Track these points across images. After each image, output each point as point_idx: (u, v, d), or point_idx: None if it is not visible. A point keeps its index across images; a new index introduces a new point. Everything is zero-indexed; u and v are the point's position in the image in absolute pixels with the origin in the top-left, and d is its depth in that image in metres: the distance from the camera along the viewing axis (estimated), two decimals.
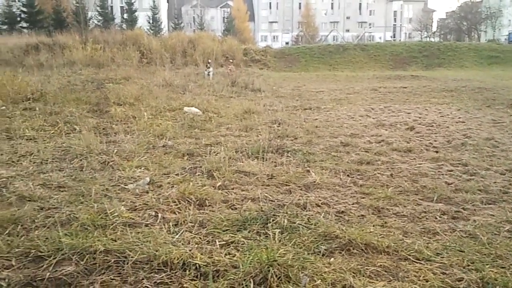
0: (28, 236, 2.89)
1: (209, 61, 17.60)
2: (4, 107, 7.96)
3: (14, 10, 48.35)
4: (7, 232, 2.97)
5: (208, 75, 16.43)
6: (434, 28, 75.46)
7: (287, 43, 65.34)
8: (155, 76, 14.32)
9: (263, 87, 13.12)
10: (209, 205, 3.60)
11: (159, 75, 14.52)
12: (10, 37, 30.34)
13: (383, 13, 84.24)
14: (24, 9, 48.37)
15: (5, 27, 45.44)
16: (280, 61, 25.43)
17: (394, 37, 78.07)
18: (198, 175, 4.43)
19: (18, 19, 47.88)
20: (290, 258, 2.44)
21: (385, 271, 2.56)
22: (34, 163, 4.82)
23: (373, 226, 3.19)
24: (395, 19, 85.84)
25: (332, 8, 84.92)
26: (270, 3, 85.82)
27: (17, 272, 2.44)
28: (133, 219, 3.24)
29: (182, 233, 2.98)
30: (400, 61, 26.08)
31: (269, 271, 2.31)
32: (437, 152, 5.68)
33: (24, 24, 47.22)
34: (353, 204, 3.73)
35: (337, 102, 10.60)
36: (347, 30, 73.00)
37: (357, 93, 12.86)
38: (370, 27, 74.12)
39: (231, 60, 19.26)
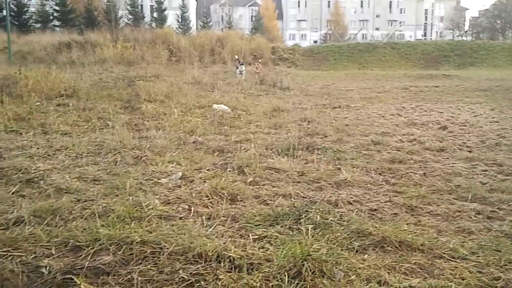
0: (66, 227, 2.98)
1: (237, 58, 16.25)
2: (38, 103, 8.18)
3: (47, 9, 49.56)
4: (46, 222, 3.06)
5: (241, 73, 15.10)
6: (467, 27, 73.76)
7: (315, 41, 64.95)
8: (184, 74, 14.47)
9: (291, 85, 13.09)
10: (241, 200, 3.63)
11: (188, 73, 14.67)
12: (44, 35, 31.10)
13: (414, 11, 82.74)
14: (57, 8, 49.50)
15: (38, 25, 46.61)
16: (309, 59, 25.29)
17: (425, 35, 76.64)
18: (229, 171, 4.46)
19: (51, 17, 49.05)
20: (324, 253, 2.44)
21: (420, 269, 2.53)
22: (69, 157, 4.95)
23: (407, 224, 3.16)
24: (426, 18, 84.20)
25: (361, 6, 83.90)
26: (298, 1, 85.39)
27: (57, 260, 2.52)
28: (167, 212, 3.30)
29: (215, 226, 3.02)
30: (431, 60, 25.58)
31: (303, 265, 2.32)
32: (470, 151, 5.57)
33: (57, 23, 48.35)
34: (385, 202, 3.69)
35: (367, 100, 10.49)
36: (377, 29, 72.05)
37: (388, 92, 12.69)
38: (401, 26, 72.85)
39: (259, 60, 18.25)
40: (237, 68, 15.62)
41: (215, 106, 8.67)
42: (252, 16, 70.28)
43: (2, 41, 24.69)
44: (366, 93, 12.24)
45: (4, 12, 41.09)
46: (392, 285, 2.31)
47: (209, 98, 9.71)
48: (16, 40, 24.60)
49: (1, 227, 2.92)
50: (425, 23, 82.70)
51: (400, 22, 78.05)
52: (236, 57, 16.82)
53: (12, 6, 40.03)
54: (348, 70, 22.90)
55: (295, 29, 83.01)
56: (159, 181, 4.13)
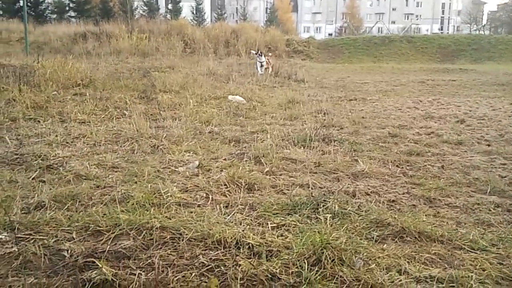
0: (86, 212, 3.02)
1: (255, 52, 14.70)
2: (55, 92, 8.26)
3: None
4: (66, 207, 3.10)
5: (262, 66, 13.73)
6: (484, 21, 72.57)
7: (330, 34, 64.49)
8: (199, 65, 14.49)
9: (306, 77, 13.03)
10: (258, 189, 3.64)
11: (202, 64, 14.68)
12: (60, 25, 31.33)
13: (431, 5, 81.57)
14: None
15: (54, 16, 46.98)
16: (323, 52, 25.15)
17: (442, 29, 75.52)
18: (246, 160, 4.47)
19: (67, 8, 49.39)
20: (344, 242, 2.44)
21: (440, 259, 2.52)
22: (87, 144, 5.00)
23: (426, 215, 3.14)
24: (443, 11, 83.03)
25: None
26: None
27: (78, 244, 2.55)
28: (185, 199, 3.32)
29: (233, 214, 3.04)
30: (448, 54, 25.24)
31: (322, 253, 2.32)
32: (489, 145, 5.50)
33: (73, 13, 48.68)
34: (403, 194, 3.67)
35: (383, 93, 10.41)
36: (393, 22, 71.16)
37: (404, 85, 12.58)
38: (417, 19, 71.95)
39: (269, 54, 16.01)
40: (256, 61, 14.10)
41: (230, 97, 8.68)
42: (266, 8, 69.94)
43: (19, 32, 24.96)
44: (382, 86, 12.15)
45: (21, 3, 41.56)
46: (412, 275, 2.30)
47: (224, 89, 9.72)
48: (32, 31, 24.85)
49: (23, 211, 2.96)
50: (442, 17, 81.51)
51: (417, 16, 77.09)
52: (253, 51, 15.28)
53: None
54: (363, 63, 22.72)
55: (310, 22, 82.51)
56: (176, 169, 4.15)
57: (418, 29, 56.84)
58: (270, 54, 16.98)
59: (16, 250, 2.44)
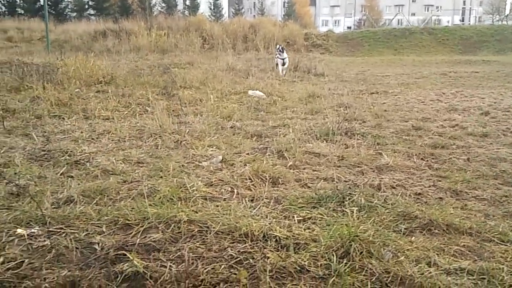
0: (114, 206, 3.06)
1: (278, 46, 12.99)
2: (78, 90, 8.38)
3: None
4: (95, 201, 3.16)
5: (283, 64, 12.26)
6: (507, 11, 70.91)
7: (349, 27, 63.89)
8: (218, 61, 14.53)
9: (326, 71, 12.95)
10: (282, 183, 3.65)
11: (221, 60, 14.71)
12: (79, 24, 31.76)
13: None
14: None
15: (74, 14, 47.65)
16: (343, 45, 24.92)
17: (463, 20, 74.10)
18: (269, 155, 4.48)
19: (86, 6, 50.02)
20: (371, 234, 2.43)
21: (469, 251, 2.50)
22: (112, 140, 5.07)
23: (453, 208, 3.11)
24: (464, 2, 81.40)
25: None
26: None
27: (108, 237, 2.60)
28: (211, 193, 3.35)
29: (259, 208, 3.05)
30: (470, 46, 24.75)
31: (351, 245, 2.32)
32: None
33: (92, 11, 49.29)
34: (429, 186, 3.64)
35: (405, 86, 10.29)
36: (413, 14, 70.09)
37: (426, 77, 12.41)
38: (438, 10, 70.69)
39: (279, 47, 13.46)
40: (277, 57, 12.58)
41: (250, 92, 8.68)
42: (284, 2, 69.59)
43: (40, 30, 25.38)
44: (403, 79, 12.01)
45: (42, 2, 42.22)
46: (441, 267, 2.29)
47: (244, 85, 9.73)
48: (53, 29, 25.24)
49: (53, 206, 3.02)
50: (463, 8, 79.96)
51: (437, 7, 75.78)
52: (278, 46, 13.31)
53: None
54: (383, 56, 22.45)
55: (328, 15, 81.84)
56: (200, 164, 4.19)
57: (438, 20, 55.79)
58: (280, 47, 13.94)
59: (49, 243, 2.50)
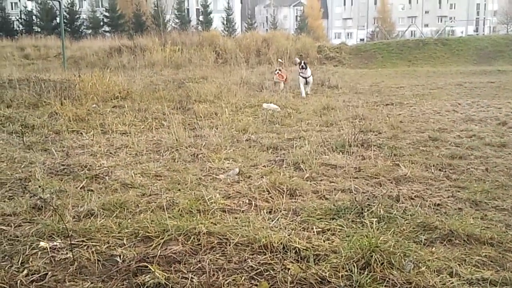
0: (134, 219, 3.10)
1: (300, 61, 11.49)
2: (95, 105, 8.52)
3: (97, 15, 51.47)
4: (115, 214, 3.19)
5: (307, 83, 10.96)
6: None
7: (362, 39, 64.01)
8: (232, 75, 14.66)
9: (339, 83, 12.96)
10: (300, 195, 3.65)
11: (235, 74, 14.84)
12: (95, 40, 32.37)
13: (465, 6, 79.93)
14: (107, 14, 51.35)
15: (89, 31, 48.55)
16: (356, 57, 24.94)
17: (477, 31, 73.68)
18: (285, 167, 4.49)
19: (101, 23, 50.95)
20: (392, 245, 2.42)
21: (491, 261, 2.47)
22: (130, 154, 5.13)
23: (473, 218, 3.08)
24: (478, 13, 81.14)
25: (409, 2, 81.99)
26: None
27: (129, 250, 2.63)
28: (229, 205, 3.37)
29: (277, 219, 3.06)
30: (484, 56, 24.57)
31: (371, 256, 2.31)
32: None
33: (107, 28, 50.19)
34: (448, 197, 3.61)
35: (420, 97, 10.24)
36: (426, 25, 70.06)
37: (441, 88, 12.35)
38: (451, 21, 70.40)
39: (280, 60, 12.86)
40: (299, 76, 11.06)
41: (264, 105, 8.73)
42: (296, 16, 70.09)
43: (56, 48, 25.89)
44: (418, 90, 11.96)
45: (58, 20, 43.13)
46: (463, 277, 2.27)
47: (258, 98, 9.78)
48: (69, 46, 25.71)
49: (74, 219, 3.07)
50: (477, 18, 79.59)
51: (451, 18, 75.51)
52: (298, 60, 11.96)
53: (64, 13, 41.77)
54: (397, 67, 22.40)
55: (340, 28, 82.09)
56: (217, 176, 4.22)
57: (452, 31, 55.51)
58: (280, 62, 13.71)
59: (71, 256, 2.53)
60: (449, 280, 2.22)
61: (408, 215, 3.08)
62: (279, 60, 12.94)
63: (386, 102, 9.47)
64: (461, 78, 15.69)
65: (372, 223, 2.76)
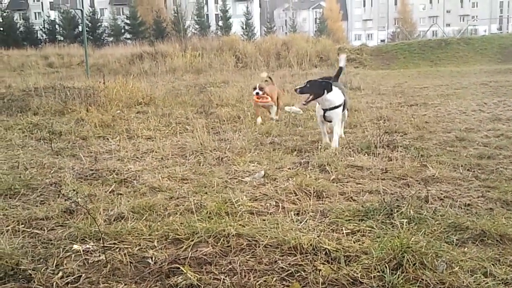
0: (164, 221, 3.13)
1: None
2: (119, 111, 8.66)
3: (119, 23, 52.32)
4: (144, 217, 3.24)
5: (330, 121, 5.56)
6: None
7: (382, 40, 63.47)
8: (252, 78, 14.68)
9: (362, 85, 12.86)
10: (327, 197, 3.64)
11: (256, 77, 14.86)
12: (117, 48, 32.94)
13: (488, 4, 78.58)
14: (128, 22, 52.15)
15: (111, 39, 49.37)
16: (377, 59, 24.74)
17: (501, 29, 72.26)
18: (310, 169, 4.48)
19: (122, 31, 51.77)
20: (424, 246, 2.40)
21: None
22: (156, 159, 5.19)
23: (505, 218, 3.02)
24: (501, 10, 79.65)
25: (430, 2, 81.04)
26: (364, 1, 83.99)
27: (160, 252, 2.66)
28: (256, 208, 3.38)
29: (306, 221, 3.06)
30: (509, 54, 24.04)
31: (403, 257, 2.29)
32: None
33: (128, 35, 50.99)
34: (478, 197, 3.55)
35: (445, 97, 10.09)
36: (448, 25, 68.98)
37: (466, 88, 12.15)
38: (473, 20, 69.25)
39: (264, 74, 8.63)
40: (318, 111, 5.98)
41: (287, 108, 8.70)
42: (316, 19, 69.95)
43: (79, 56, 26.40)
44: (442, 90, 11.79)
45: (80, 28, 43.97)
46: (498, 277, 2.23)
47: (280, 101, 9.76)
48: (91, 54, 26.20)
49: (105, 222, 3.12)
50: (501, 16, 78.10)
51: (473, 17, 74.31)
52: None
53: (86, 22, 42.57)
54: (419, 68, 22.14)
55: (360, 29, 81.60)
56: (243, 179, 4.23)
57: (475, 30, 54.62)
58: (266, 77, 8.36)
59: (104, 258, 2.58)
60: (484, 280, 2.18)
61: (438, 215, 3.04)
62: (264, 74, 8.52)
63: (410, 102, 9.36)
64: (485, 77, 15.41)
65: (403, 224, 2.73)
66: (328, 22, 62.98)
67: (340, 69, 6.12)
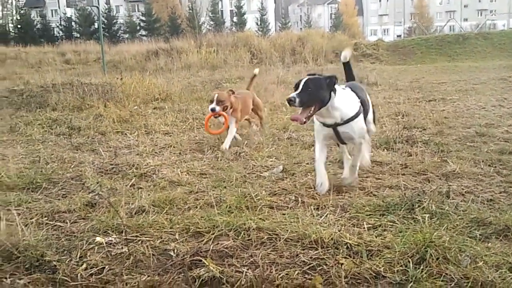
0: (184, 215, 3.16)
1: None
2: (136, 107, 8.72)
3: (134, 19, 52.61)
4: (165, 211, 3.27)
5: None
6: None
7: (399, 35, 62.81)
8: (267, 74, 14.65)
9: (378, 80, 12.74)
10: (346, 192, 3.63)
11: (271, 73, 14.83)
12: (132, 44, 33.11)
13: None
14: (143, 18, 52.39)
15: (126, 35, 49.69)
16: (394, 54, 24.47)
17: None
18: (329, 164, 4.46)
19: (138, 27, 52.06)
20: (447, 240, 2.38)
21: None
22: (174, 153, 5.23)
23: None
24: None
25: None
26: None
27: (182, 244, 2.68)
28: (276, 202, 3.39)
29: (326, 215, 3.05)
30: None
31: (426, 251, 2.28)
32: None
33: (143, 32, 51.24)
34: (500, 193, 3.50)
35: (464, 93, 9.95)
36: (465, 19, 68.03)
37: (484, 83, 11.95)
38: (492, 15, 68.12)
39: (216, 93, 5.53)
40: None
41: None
42: (331, 14, 69.49)
43: (96, 52, 26.63)
44: (461, 85, 11.62)
45: (96, 25, 44.36)
46: None
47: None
48: (107, 51, 26.36)
49: (127, 215, 3.16)
50: None
51: (491, 11, 73.10)
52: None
53: (102, 18, 42.89)
54: (437, 63, 21.83)
55: (376, 24, 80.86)
56: (261, 174, 4.24)
57: (493, 24, 53.70)
58: (257, 73, 6.80)
59: (127, 250, 2.61)
60: (509, 275, 2.16)
61: (460, 210, 3.01)
62: (256, 71, 6.79)
63: (428, 98, 9.25)
64: (505, 73, 15.13)
65: (424, 219, 2.71)
66: (343, 17, 62.60)
67: (345, 65, 4.33)
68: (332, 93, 3.40)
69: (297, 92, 3.28)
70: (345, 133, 3.52)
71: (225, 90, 5.83)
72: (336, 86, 3.43)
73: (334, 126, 3.50)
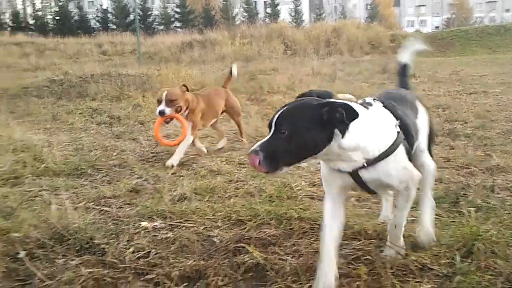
0: (225, 203, 3.21)
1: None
2: None
3: (169, 11, 53.05)
4: (206, 199, 3.33)
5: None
6: None
7: (437, 27, 61.16)
8: (302, 66, 14.58)
9: (417, 72, 12.49)
10: None
11: (305, 65, 14.76)
12: (167, 36, 33.47)
13: None
14: (178, 10, 52.75)
15: (161, 27, 50.22)
16: (432, 45, 23.75)
17: None
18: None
19: (172, 19, 52.50)
20: (494, 234, 2.33)
21: None
22: (212, 143, 5.30)
23: None
24: None
25: None
26: None
27: (225, 231, 2.73)
28: (315, 193, 3.40)
29: (368, 207, 3.04)
30: None
31: (473, 245, 2.24)
32: None
33: (178, 24, 51.64)
34: None
35: (506, 85, 9.64)
36: (507, 10, 65.65)
37: None
38: None
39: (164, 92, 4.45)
40: None
41: (340, 95, 8.58)
42: (367, 5, 68.07)
43: (131, 44, 27.04)
44: (502, 78, 11.26)
45: (132, 17, 45.05)
46: None
47: (332, 88, 9.66)
48: (143, 42, 26.71)
49: (170, 202, 3.23)
50: None
51: None
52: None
53: (138, 10, 43.44)
54: (477, 55, 21.22)
55: (413, 15, 78.86)
56: (300, 165, 4.24)
57: None
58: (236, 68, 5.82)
59: (172, 235, 2.67)
60: None
61: (506, 205, 2.94)
62: (235, 68, 5.80)
63: (469, 90, 9.02)
64: None
65: (470, 213, 2.66)
66: (379, 8, 61.32)
67: (401, 68, 3.12)
68: (337, 131, 1.89)
69: (265, 139, 1.90)
70: (375, 181, 2.09)
71: (177, 86, 4.77)
72: (351, 110, 1.83)
73: (354, 172, 2.06)
